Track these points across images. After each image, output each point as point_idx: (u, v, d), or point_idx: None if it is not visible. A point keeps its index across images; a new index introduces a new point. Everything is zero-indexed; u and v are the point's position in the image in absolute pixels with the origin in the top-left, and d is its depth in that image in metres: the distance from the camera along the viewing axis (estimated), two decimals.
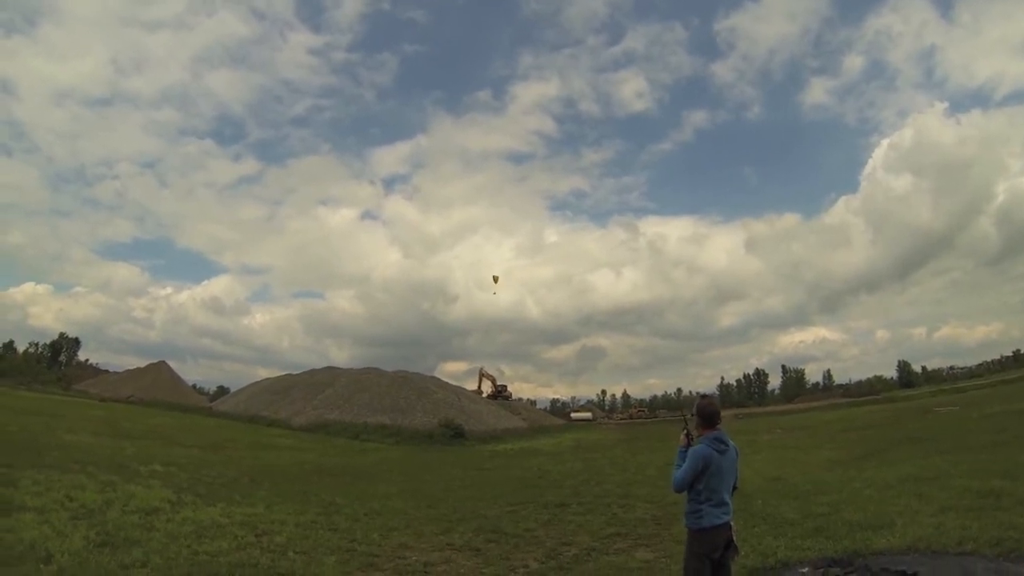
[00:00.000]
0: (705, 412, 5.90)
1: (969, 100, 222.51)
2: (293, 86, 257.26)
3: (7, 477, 12.37)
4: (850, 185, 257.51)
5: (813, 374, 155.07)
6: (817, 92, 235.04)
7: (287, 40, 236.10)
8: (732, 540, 5.67)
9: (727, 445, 5.75)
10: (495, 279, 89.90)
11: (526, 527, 12.60)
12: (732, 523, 5.72)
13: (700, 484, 5.62)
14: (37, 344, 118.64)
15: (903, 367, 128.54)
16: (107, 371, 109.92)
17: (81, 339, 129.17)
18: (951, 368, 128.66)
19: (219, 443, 29.07)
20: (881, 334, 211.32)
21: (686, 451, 5.82)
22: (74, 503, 11.16)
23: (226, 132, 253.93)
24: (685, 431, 5.97)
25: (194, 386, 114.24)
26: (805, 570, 8.08)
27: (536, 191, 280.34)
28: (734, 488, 5.92)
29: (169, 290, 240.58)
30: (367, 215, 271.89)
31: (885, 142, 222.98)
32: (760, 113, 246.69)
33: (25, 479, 12.42)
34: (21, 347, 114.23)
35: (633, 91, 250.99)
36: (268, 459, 24.90)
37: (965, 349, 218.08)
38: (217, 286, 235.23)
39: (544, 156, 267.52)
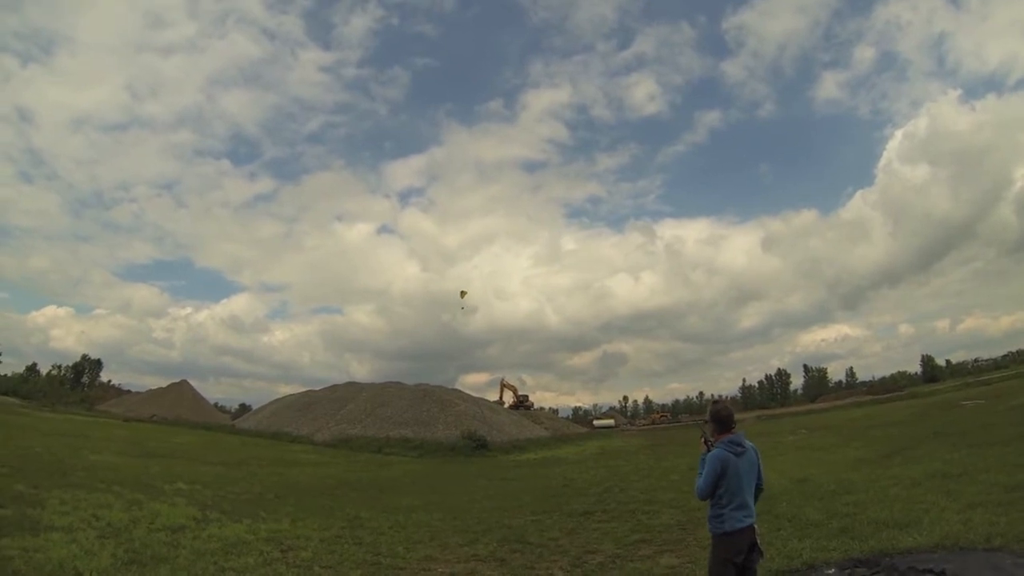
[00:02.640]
0: (719, 416, 5.92)
1: (983, 86, 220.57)
2: (306, 104, 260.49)
3: (34, 498, 12.49)
4: (866, 178, 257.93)
5: (836, 372, 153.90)
6: (829, 86, 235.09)
7: (298, 59, 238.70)
8: (756, 543, 5.65)
9: (744, 447, 5.76)
10: (463, 294, 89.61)
11: (551, 536, 12.58)
12: (756, 526, 5.70)
13: (720, 488, 5.62)
14: (60, 366, 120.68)
15: (927, 361, 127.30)
16: (129, 391, 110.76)
17: (103, 360, 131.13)
18: (976, 360, 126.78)
19: (243, 460, 29.22)
20: (904, 329, 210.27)
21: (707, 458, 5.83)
22: (101, 522, 11.26)
23: (241, 151, 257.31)
24: (703, 438, 6.06)
25: (216, 404, 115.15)
26: (831, 571, 8.02)
27: (552, 199, 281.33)
28: (759, 490, 5.91)
29: (189, 310, 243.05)
30: (384, 229, 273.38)
31: (899, 133, 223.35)
32: (772, 110, 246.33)
33: (52, 499, 12.53)
34: (44, 369, 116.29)
35: (645, 94, 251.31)
36: (292, 475, 25.00)
37: (990, 340, 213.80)
38: (236, 304, 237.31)
39: (558, 164, 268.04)
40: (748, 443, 5.82)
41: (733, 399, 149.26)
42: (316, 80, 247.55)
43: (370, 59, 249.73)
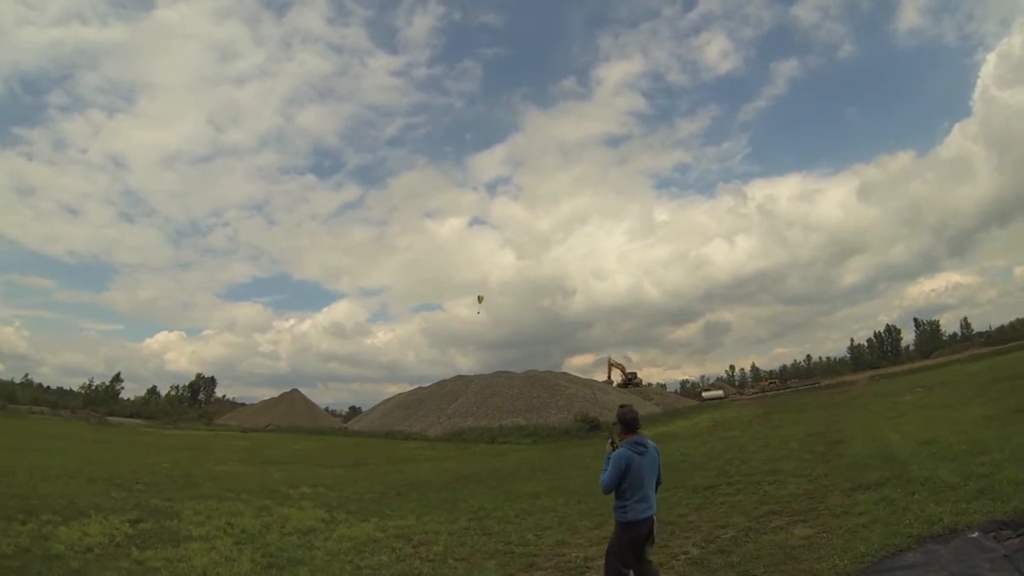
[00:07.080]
0: (626, 419, 6.69)
1: None
2: (382, 109, 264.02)
3: (170, 510, 13.15)
4: (962, 110, 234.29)
5: (949, 324, 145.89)
6: (910, 15, 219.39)
7: (368, 67, 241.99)
8: (652, 532, 6.57)
9: (646, 447, 6.60)
10: (480, 299, 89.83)
11: (679, 513, 12.49)
12: (655, 517, 6.61)
13: (624, 484, 6.43)
14: (177, 386, 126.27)
15: None
16: (243, 404, 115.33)
17: (216, 377, 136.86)
18: None
19: (360, 461, 29.97)
20: (1020, 271, 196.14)
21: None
22: (235, 529, 11.81)
23: (325, 164, 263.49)
24: (611, 440, 6.89)
25: (327, 409, 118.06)
26: (975, 535, 7.62)
27: (639, 171, 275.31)
28: (658, 483, 6.78)
29: (292, 321, 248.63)
30: (475, 221, 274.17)
31: (992, 56, 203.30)
32: (852, 50, 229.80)
33: (187, 510, 13.18)
34: (163, 391, 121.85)
35: (717, 52, 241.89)
36: (410, 471, 25.45)
37: None
38: (337, 311, 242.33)
39: (641, 135, 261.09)
40: (651, 443, 6.68)
41: (842, 361, 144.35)
42: (389, 85, 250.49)
43: (439, 57, 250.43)
